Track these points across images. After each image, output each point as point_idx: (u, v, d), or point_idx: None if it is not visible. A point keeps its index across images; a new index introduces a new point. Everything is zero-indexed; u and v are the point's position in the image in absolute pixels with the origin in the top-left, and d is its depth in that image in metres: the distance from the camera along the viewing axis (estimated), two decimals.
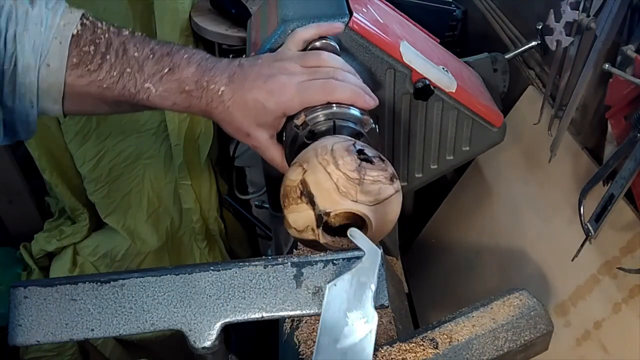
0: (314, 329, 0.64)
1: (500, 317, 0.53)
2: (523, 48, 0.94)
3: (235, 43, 1.22)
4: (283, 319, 0.58)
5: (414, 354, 0.50)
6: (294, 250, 0.74)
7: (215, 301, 0.48)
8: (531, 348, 0.53)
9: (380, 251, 0.48)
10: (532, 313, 0.53)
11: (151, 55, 0.62)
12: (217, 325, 0.47)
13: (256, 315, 0.48)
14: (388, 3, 0.90)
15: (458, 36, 1.22)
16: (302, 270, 0.49)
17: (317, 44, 0.69)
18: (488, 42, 1.11)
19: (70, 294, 0.47)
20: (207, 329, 0.47)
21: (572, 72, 0.77)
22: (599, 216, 0.68)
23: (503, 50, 0.97)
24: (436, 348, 0.51)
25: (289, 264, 0.49)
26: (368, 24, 0.73)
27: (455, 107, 0.80)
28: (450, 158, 0.85)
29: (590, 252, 0.74)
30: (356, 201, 0.49)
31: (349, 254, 0.49)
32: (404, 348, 0.51)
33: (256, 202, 1.38)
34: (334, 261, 0.49)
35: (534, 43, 0.92)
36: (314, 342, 0.54)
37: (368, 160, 0.51)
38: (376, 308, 0.48)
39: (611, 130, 0.72)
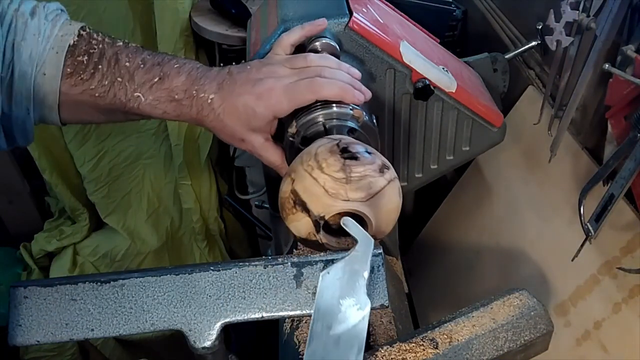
0: None
1: (500, 317, 0.53)
2: (523, 48, 0.94)
3: (235, 43, 1.22)
4: (283, 319, 0.58)
5: (414, 354, 0.50)
6: (294, 250, 0.74)
7: (215, 301, 0.48)
8: (531, 348, 0.53)
9: (372, 240, 0.48)
10: (532, 313, 0.53)
11: (142, 65, 0.63)
12: (217, 325, 0.47)
13: (256, 315, 0.48)
14: (388, 3, 0.90)
15: (458, 36, 1.22)
16: (302, 270, 0.49)
17: (317, 44, 0.68)
18: (488, 42, 1.11)
19: (70, 294, 0.47)
20: (207, 329, 0.47)
21: (572, 72, 0.77)
22: (599, 216, 0.68)
23: (503, 50, 0.97)
24: (436, 348, 0.51)
25: (289, 264, 0.49)
26: (368, 24, 0.73)
27: (455, 107, 0.80)
28: (450, 158, 0.85)
29: (590, 252, 0.75)
30: (348, 200, 0.49)
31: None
32: (404, 348, 0.51)
33: (256, 202, 1.38)
34: (334, 261, 0.49)
35: (534, 43, 0.92)
36: None
37: (352, 157, 0.51)
38: (376, 308, 0.49)
39: (611, 130, 0.72)
